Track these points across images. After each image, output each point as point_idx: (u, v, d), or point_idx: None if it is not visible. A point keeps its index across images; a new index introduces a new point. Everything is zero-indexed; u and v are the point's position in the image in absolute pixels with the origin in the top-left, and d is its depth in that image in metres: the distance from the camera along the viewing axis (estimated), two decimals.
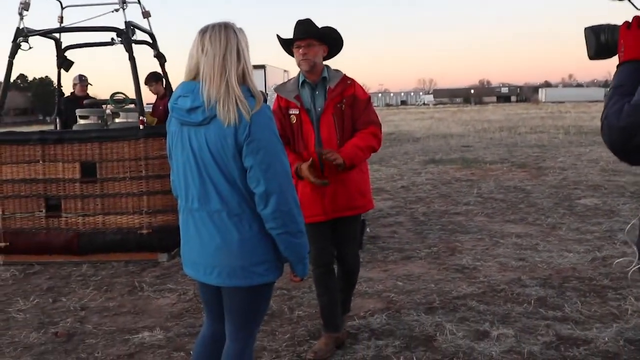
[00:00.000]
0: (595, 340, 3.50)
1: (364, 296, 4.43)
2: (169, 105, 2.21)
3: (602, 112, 1.70)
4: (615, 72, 1.75)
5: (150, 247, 5.69)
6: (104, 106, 6.65)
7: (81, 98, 7.41)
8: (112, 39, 5.86)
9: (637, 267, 1.77)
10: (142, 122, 5.70)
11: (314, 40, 3.23)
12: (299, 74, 3.36)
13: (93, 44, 6.76)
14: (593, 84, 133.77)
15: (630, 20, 1.73)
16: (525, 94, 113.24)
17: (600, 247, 5.49)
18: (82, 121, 6.34)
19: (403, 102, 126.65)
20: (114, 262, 5.69)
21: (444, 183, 9.84)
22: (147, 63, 6.95)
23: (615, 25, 1.79)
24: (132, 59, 5.73)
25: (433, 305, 4.21)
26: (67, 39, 6.84)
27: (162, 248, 5.72)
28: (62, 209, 5.74)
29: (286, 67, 18.64)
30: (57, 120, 7.15)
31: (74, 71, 7.15)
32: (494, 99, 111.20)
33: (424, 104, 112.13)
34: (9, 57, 5.95)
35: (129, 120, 6.16)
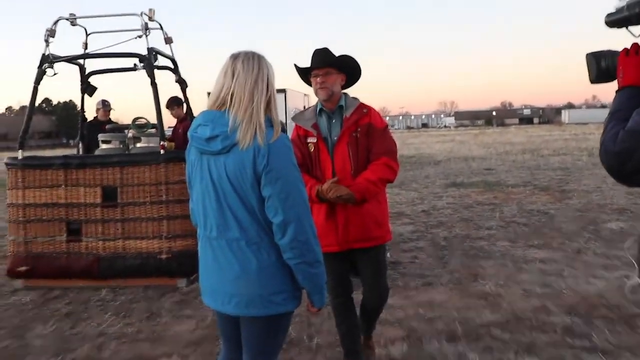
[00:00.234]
0: None
1: (384, 324, 4.33)
2: (189, 134, 2.22)
3: (600, 136, 1.74)
4: (614, 98, 1.79)
5: (169, 272, 5.66)
6: (126, 131, 6.71)
7: (104, 123, 7.51)
8: (135, 64, 5.92)
9: (638, 283, 1.78)
10: (163, 146, 5.72)
11: (332, 69, 3.23)
12: (317, 103, 3.35)
13: (116, 70, 6.84)
14: None
15: (629, 48, 1.78)
16: (548, 115, 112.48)
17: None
18: (104, 145, 6.40)
19: (424, 125, 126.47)
20: (133, 287, 5.67)
21: (465, 207, 9.73)
22: (168, 87, 7.03)
23: (615, 52, 1.85)
24: (154, 84, 5.79)
25: (455, 334, 4.10)
26: (91, 64, 6.92)
27: (182, 273, 5.69)
28: (82, 234, 5.76)
29: (306, 92, 18.72)
30: (80, 144, 7.23)
31: (98, 96, 7.25)
32: (516, 120, 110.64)
33: (445, 126, 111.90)
34: (35, 83, 6.04)
35: (151, 144, 6.20)
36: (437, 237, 7.45)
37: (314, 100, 3.48)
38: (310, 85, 3.30)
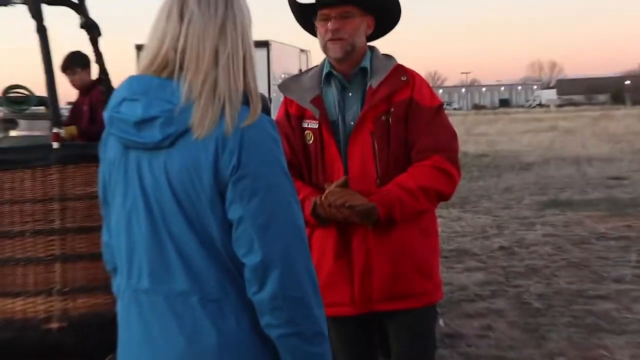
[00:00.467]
0: None
1: None
2: (106, 115, 1.61)
3: None
4: None
5: (63, 352, 4.26)
6: None
7: None
8: None
9: None
10: (57, 136, 4.32)
11: (353, 7, 2.35)
12: (323, 62, 2.52)
13: None
14: None
15: None
16: None
17: None
18: None
19: (504, 102, 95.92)
20: None
21: (576, 243, 7.66)
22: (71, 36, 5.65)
23: None
24: (41, 29, 4.23)
25: None
26: None
27: (84, 354, 4.32)
28: None
29: (304, 46, 15.32)
30: None
31: None
32: None
33: (539, 104, 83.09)
34: None
35: (34, 133, 4.89)
36: (526, 293, 5.83)
37: (316, 59, 2.46)
38: (313, 34, 2.51)
